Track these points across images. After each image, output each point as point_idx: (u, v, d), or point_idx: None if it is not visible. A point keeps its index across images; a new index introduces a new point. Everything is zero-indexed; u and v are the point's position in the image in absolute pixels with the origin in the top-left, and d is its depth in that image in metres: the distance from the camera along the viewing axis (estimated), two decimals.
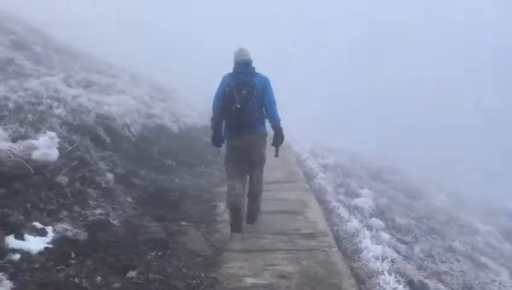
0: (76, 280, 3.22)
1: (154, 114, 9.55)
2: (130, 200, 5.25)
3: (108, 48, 17.19)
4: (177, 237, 4.47)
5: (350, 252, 4.60)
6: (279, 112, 4.81)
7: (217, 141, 4.94)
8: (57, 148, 4.67)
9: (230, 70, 4.91)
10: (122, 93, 9.71)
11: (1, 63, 8.10)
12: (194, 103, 14.23)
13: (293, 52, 39.72)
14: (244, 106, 4.60)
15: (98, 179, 5.14)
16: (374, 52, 42.77)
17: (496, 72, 38.50)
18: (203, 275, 3.79)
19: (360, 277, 4.02)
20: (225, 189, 5.96)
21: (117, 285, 3.30)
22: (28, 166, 4.17)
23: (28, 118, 5.28)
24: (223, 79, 4.82)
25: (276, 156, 4.92)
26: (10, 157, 4.18)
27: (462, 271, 5.80)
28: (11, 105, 5.57)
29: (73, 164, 4.79)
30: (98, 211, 4.45)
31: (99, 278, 3.32)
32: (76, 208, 4.32)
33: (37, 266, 3.31)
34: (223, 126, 4.87)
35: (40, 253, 3.51)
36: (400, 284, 3.83)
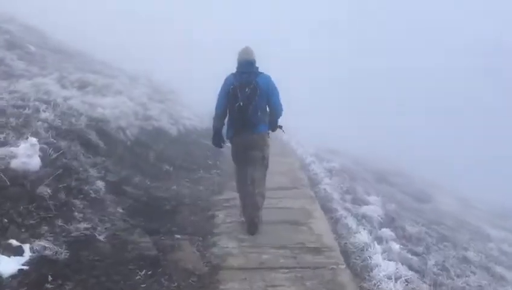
0: None
1: (152, 116, 9.15)
2: (120, 211, 4.85)
3: (107, 48, 16.82)
4: (170, 254, 4.08)
5: (360, 269, 4.19)
6: (282, 112, 4.90)
7: (217, 141, 5.03)
8: (39, 156, 4.29)
9: (233, 70, 4.88)
10: (119, 94, 9.33)
11: None
12: (194, 104, 13.84)
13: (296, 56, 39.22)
14: (247, 104, 4.61)
15: (86, 188, 4.76)
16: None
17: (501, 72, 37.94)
18: None
19: None
20: (223, 197, 5.88)
21: None
22: (4, 177, 3.79)
23: (10, 122, 4.92)
24: (226, 78, 4.82)
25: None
26: None
27: (480, 286, 5.37)
28: None
29: (57, 173, 4.40)
30: (83, 225, 4.06)
31: None
32: (59, 222, 3.93)
33: None
34: (226, 125, 4.92)
35: (13, 276, 3.14)
36: None
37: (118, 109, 7.95)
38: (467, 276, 5.77)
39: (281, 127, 5.08)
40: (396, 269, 4.08)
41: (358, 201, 7.02)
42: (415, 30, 43.69)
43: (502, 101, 34.09)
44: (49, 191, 4.11)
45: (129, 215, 4.86)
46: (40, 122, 5.23)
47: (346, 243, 4.82)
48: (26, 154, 4.07)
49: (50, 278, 3.19)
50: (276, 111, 4.86)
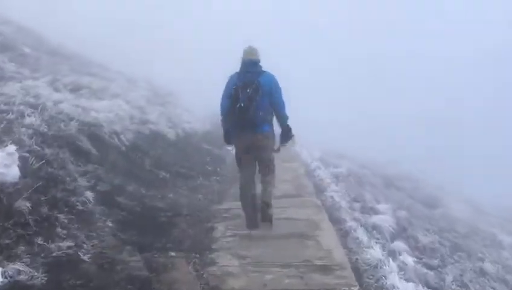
0: None
1: (150, 120, 8.75)
2: (110, 224, 4.44)
3: (106, 50, 16.46)
4: (163, 274, 3.68)
5: None
6: (287, 111, 4.81)
7: (228, 138, 5.00)
8: (19, 166, 3.88)
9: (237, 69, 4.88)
10: (115, 97, 8.96)
11: None
12: (196, 107, 13.44)
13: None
14: (248, 105, 4.57)
15: (73, 200, 4.35)
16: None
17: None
18: None
19: None
20: (223, 207, 5.70)
21: None
22: None
23: None
24: (230, 78, 4.81)
25: (277, 150, 5.01)
26: None
27: None
28: None
29: (38, 184, 3.99)
30: (67, 243, 3.64)
31: None
32: (39, 241, 3.52)
33: None
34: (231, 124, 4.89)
35: None
36: None
37: (113, 112, 7.56)
38: None
39: (291, 134, 4.92)
40: None
41: (367, 209, 6.59)
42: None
43: None
44: (28, 205, 3.70)
45: (120, 229, 4.45)
46: (24, 128, 4.81)
47: (357, 259, 4.40)
48: (3, 165, 3.67)
49: None
50: (277, 108, 4.77)
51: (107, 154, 6.23)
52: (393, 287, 3.68)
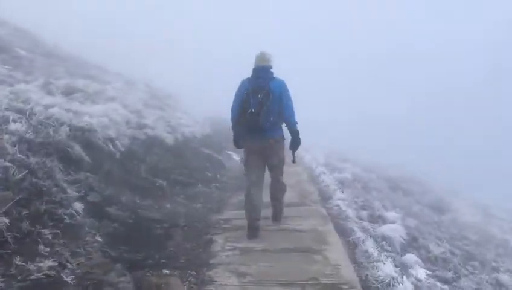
0: None
1: (147, 124, 8.40)
2: (99, 239, 4.10)
3: (105, 50, 16.16)
4: None
5: None
6: (296, 116, 4.82)
7: (238, 142, 4.97)
8: None
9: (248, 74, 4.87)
10: (112, 100, 8.60)
11: None
12: (196, 110, 13.10)
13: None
14: (259, 110, 4.60)
15: (59, 212, 4.03)
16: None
17: None
18: None
19: None
20: (223, 217, 5.44)
21: None
22: None
23: None
24: (241, 83, 4.84)
25: (294, 161, 4.92)
26: None
27: None
28: None
29: (20, 197, 3.66)
30: (49, 262, 3.31)
31: None
32: (17, 261, 3.19)
33: None
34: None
35: None
36: None
37: (108, 117, 7.21)
38: None
39: (300, 140, 4.86)
40: None
41: (375, 218, 6.24)
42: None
43: None
44: (7, 220, 3.38)
45: (110, 244, 4.12)
46: (7, 136, 4.50)
47: (367, 275, 4.04)
48: None
49: None
50: (286, 114, 4.77)
51: (101, 161, 5.89)
52: None
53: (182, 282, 3.68)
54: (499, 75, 37.51)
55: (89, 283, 3.28)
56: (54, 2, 21.33)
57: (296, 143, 4.83)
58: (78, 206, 4.35)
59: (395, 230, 5.63)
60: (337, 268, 4.02)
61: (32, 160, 4.36)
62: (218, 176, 7.57)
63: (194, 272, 3.93)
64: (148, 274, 3.73)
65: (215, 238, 4.77)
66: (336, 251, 4.44)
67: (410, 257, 4.91)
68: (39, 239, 3.55)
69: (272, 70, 4.89)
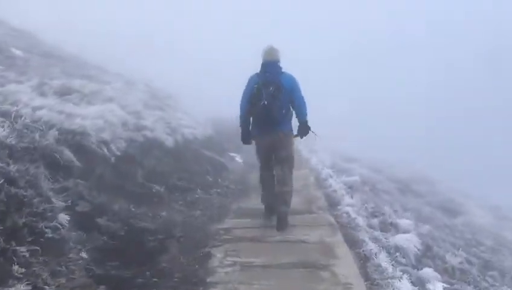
0: None
1: (146, 126, 8.01)
2: (85, 256, 3.73)
3: (105, 50, 15.84)
4: None
5: None
6: (307, 109, 4.84)
7: (245, 138, 5.05)
8: None
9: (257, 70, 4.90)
10: (109, 101, 8.23)
11: None
12: (197, 110, 12.74)
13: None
14: (271, 102, 4.61)
15: (41, 226, 3.66)
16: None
17: None
18: None
19: None
20: (224, 226, 5.25)
21: None
22: None
23: None
24: (250, 78, 4.86)
25: (297, 136, 5.01)
26: None
27: None
28: None
29: None
30: (22, 286, 2.94)
31: None
32: None
33: None
34: (251, 124, 4.96)
35: None
36: None
37: (104, 118, 6.84)
38: None
39: (310, 128, 4.92)
40: None
41: (387, 226, 5.83)
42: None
43: None
44: None
45: (96, 261, 3.74)
46: None
47: None
48: None
49: None
50: (299, 106, 4.81)
51: (93, 166, 5.53)
52: None
53: None
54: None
55: None
56: (54, 2, 21.07)
57: (303, 131, 4.89)
58: (64, 217, 3.98)
59: (409, 240, 5.22)
60: (348, 287, 3.61)
61: (13, 167, 3.98)
62: (219, 180, 7.19)
63: None
64: None
65: (214, 252, 4.38)
66: (346, 266, 4.03)
67: (427, 272, 4.50)
68: (14, 258, 3.18)
69: (280, 64, 4.89)
